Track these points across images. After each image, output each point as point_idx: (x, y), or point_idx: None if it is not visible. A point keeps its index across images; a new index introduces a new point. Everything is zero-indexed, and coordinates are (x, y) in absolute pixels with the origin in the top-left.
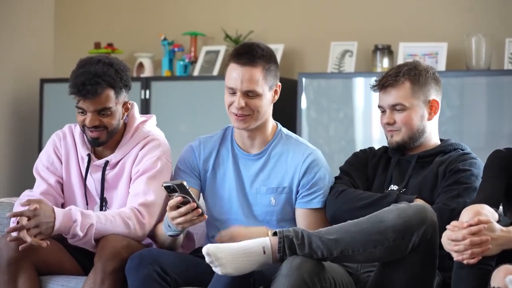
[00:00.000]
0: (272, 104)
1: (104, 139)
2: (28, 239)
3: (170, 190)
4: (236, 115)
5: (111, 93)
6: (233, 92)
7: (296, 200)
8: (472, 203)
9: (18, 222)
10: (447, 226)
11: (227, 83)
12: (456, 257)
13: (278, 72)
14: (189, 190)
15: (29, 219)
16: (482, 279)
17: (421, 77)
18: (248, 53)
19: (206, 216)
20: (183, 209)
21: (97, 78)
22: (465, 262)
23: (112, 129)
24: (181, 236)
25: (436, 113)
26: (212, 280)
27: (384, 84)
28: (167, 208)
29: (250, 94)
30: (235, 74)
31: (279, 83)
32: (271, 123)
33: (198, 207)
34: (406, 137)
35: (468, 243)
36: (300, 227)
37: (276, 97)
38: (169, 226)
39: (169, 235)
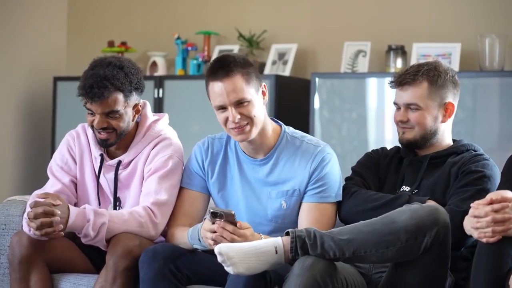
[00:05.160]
0: (265, 105)
1: (113, 141)
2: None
3: (216, 216)
4: (234, 129)
5: (120, 96)
6: (223, 108)
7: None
8: None
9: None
10: (471, 204)
11: (214, 103)
12: (477, 235)
13: (258, 73)
14: (235, 219)
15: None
16: (500, 259)
17: (439, 79)
18: (222, 66)
19: None
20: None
21: (105, 81)
22: (484, 240)
23: (120, 132)
24: None
25: (450, 116)
26: (228, 280)
27: (402, 81)
28: (205, 227)
29: (240, 103)
30: (218, 90)
31: (264, 83)
32: (271, 125)
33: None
34: (418, 136)
35: (490, 220)
36: (302, 222)
37: (266, 98)
38: (199, 240)
39: (194, 248)
